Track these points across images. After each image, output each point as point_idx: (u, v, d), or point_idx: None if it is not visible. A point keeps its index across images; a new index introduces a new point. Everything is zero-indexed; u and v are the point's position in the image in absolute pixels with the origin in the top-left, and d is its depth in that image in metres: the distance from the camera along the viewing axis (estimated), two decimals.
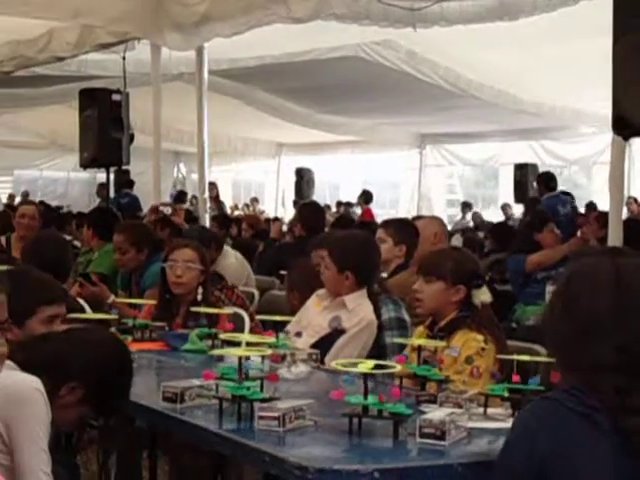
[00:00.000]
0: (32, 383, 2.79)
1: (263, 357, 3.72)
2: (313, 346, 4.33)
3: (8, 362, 2.88)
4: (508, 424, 2.87)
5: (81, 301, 5.43)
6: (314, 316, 4.59)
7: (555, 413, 2.20)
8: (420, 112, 14.34)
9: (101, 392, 2.97)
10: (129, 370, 3.10)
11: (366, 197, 16.78)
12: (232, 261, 7.29)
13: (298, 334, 4.40)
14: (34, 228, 7.75)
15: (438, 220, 6.42)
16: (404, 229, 5.72)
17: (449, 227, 14.14)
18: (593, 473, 2.15)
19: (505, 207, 16.82)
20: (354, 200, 20.48)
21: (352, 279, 4.51)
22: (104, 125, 8.75)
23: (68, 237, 8.02)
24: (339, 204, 19.58)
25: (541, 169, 14.40)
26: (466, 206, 17.76)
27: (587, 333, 2.23)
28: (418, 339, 3.85)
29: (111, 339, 3.20)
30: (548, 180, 11.66)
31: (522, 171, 14.53)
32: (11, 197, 18.51)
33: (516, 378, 3.17)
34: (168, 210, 7.84)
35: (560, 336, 2.30)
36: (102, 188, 16.34)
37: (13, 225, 8.29)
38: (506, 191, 16.53)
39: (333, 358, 4.21)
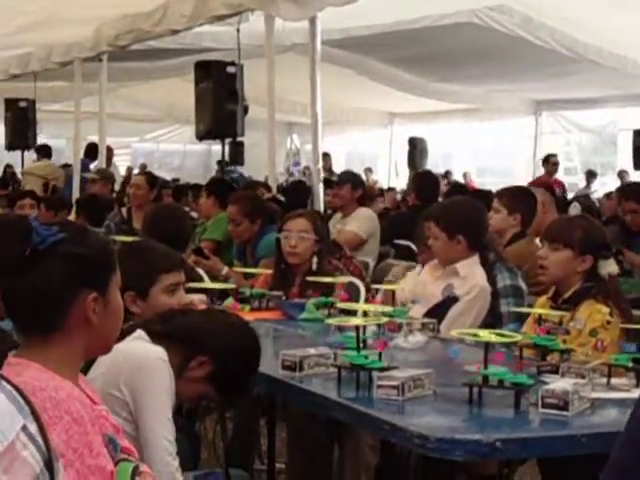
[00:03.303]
0: (157, 353, 2.85)
1: (380, 326, 3.72)
2: (426, 314, 4.33)
3: (140, 332, 2.95)
4: (633, 394, 2.82)
5: (200, 271, 5.50)
6: (427, 285, 4.59)
7: None
8: (535, 78, 14.03)
9: (227, 372, 3.01)
10: (257, 358, 3.12)
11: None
12: (370, 213, 8.01)
13: (414, 302, 4.40)
14: (145, 198, 7.93)
15: (543, 189, 6.32)
16: (518, 197, 5.65)
17: (569, 195, 13.93)
18: None
19: (622, 173, 16.34)
20: (467, 169, 20.23)
21: (464, 243, 4.50)
22: (219, 97, 8.83)
23: (186, 208, 8.14)
24: (447, 174, 19.27)
25: None
26: (591, 175, 17.24)
27: None
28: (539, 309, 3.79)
29: (245, 325, 3.22)
30: None
31: None
32: (129, 170, 18.80)
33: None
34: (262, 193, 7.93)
35: None
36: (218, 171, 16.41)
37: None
38: (625, 158, 16.08)
39: (448, 326, 4.20)
